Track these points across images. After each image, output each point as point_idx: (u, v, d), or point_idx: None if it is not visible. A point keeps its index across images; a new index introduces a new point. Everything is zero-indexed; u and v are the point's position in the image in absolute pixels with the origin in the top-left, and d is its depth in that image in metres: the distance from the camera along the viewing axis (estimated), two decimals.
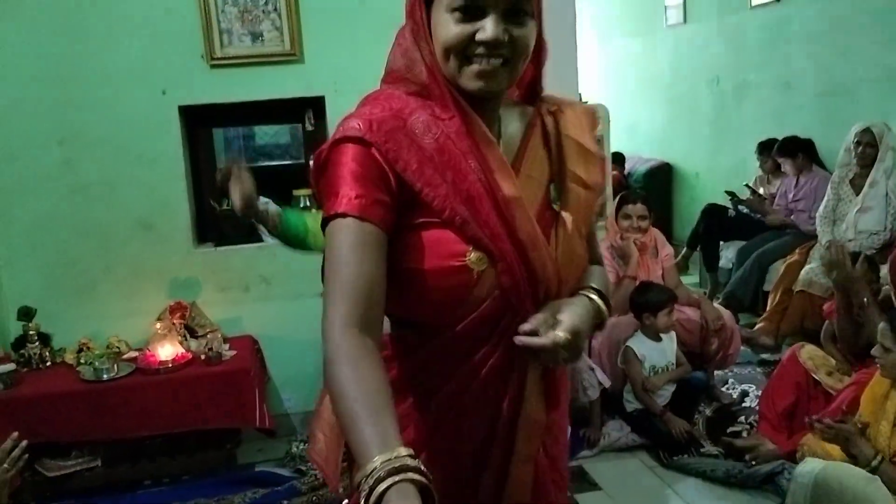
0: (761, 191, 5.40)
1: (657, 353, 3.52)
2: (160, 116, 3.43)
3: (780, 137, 5.16)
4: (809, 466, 1.53)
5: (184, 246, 3.55)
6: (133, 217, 3.47)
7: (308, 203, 3.27)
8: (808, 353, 3.22)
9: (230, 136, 4.79)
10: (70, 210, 3.41)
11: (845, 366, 3.18)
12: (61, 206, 3.40)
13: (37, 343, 3.31)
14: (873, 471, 2.27)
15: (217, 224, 3.68)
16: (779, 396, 3.23)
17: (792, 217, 5.00)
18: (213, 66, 3.42)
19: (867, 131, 4.38)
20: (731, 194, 5.43)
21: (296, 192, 3.67)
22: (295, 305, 3.62)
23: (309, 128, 3.84)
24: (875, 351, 2.55)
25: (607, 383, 3.45)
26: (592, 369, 3.41)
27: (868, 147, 4.38)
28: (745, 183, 5.43)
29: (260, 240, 3.65)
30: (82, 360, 3.29)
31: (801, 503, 1.48)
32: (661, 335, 3.53)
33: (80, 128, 3.37)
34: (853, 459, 2.38)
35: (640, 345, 3.51)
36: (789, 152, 5.02)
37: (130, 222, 3.47)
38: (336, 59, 3.49)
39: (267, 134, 5.01)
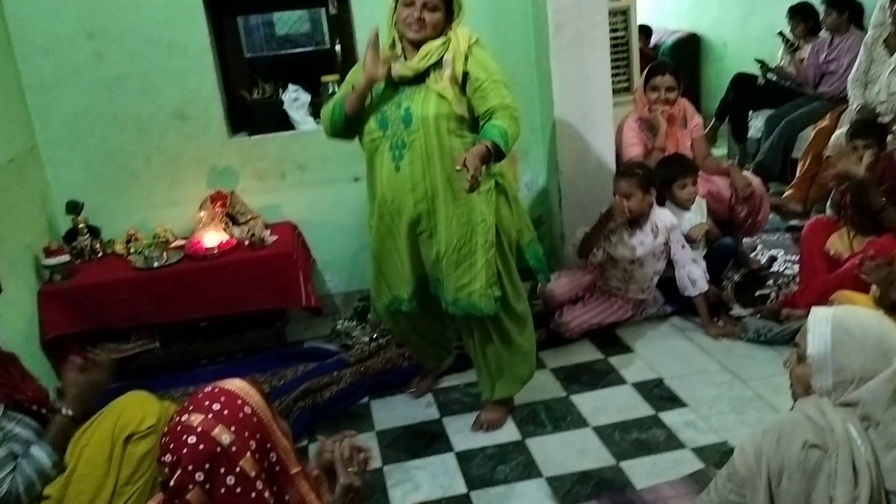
0: (788, 58, 5.29)
1: (685, 222, 3.58)
2: (185, 3, 3.42)
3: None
4: (822, 313, 1.57)
5: (219, 136, 3.61)
6: (168, 108, 3.52)
7: (336, 89, 3.28)
8: None
9: (251, 26, 4.77)
10: (107, 103, 3.46)
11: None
12: (98, 100, 3.45)
13: (87, 235, 3.44)
14: None
15: (249, 113, 3.73)
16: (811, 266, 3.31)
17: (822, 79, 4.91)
18: None
19: None
20: (761, 62, 5.33)
21: (324, 79, 3.70)
22: (330, 191, 3.70)
23: (332, 11, 3.82)
24: None
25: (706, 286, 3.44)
26: None
27: None
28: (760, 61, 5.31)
29: (292, 127, 3.71)
30: (132, 250, 3.42)
31: (823, 349, 1.54)
32: (689, 205, 3.58)
33: (107, 20, 3.38)
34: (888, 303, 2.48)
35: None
36: (836, 3, 4.85)
37: (166, 113, 3.53)
38: None
39: (286, 23, 4.97)
